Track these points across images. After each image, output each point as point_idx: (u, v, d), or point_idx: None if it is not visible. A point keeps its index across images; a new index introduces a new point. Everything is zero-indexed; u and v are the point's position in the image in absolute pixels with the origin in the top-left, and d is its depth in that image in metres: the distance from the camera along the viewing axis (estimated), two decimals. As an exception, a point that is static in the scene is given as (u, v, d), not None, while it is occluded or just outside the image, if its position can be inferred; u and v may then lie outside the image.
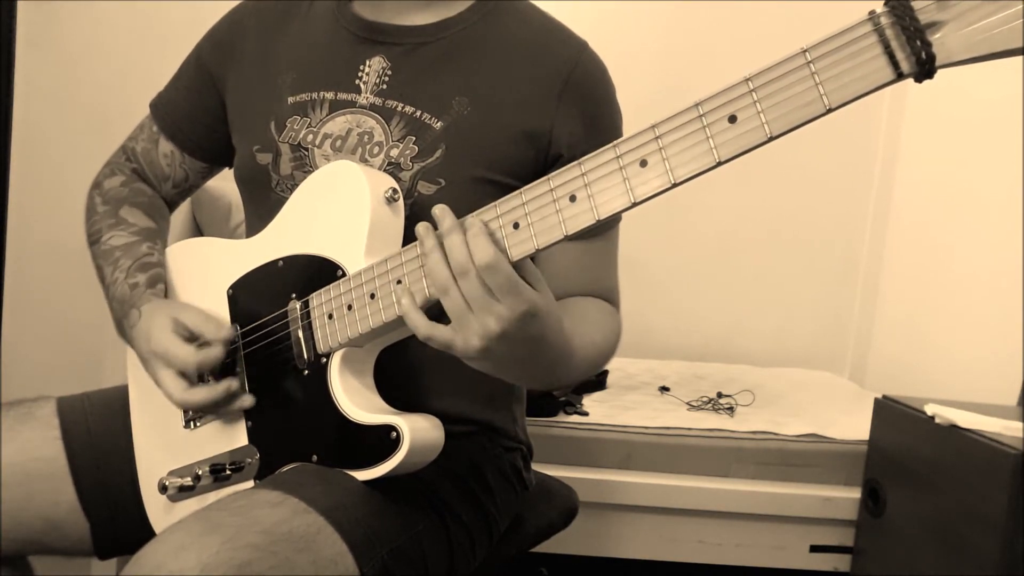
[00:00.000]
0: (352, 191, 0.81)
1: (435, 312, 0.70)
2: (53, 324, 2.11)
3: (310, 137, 0.91)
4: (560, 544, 1.29)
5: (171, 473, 0.90)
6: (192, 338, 0.86)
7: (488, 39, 0.92)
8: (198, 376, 0.86)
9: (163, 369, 0.85)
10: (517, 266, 0.67)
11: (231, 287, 0.90)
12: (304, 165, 0.90)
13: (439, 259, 0.67)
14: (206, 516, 0.69)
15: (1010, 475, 1.37)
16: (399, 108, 0.89)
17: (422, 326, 0.69)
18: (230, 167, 1.04)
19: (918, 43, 0.52)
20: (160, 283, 0.94)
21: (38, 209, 2.06)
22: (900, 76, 0.54)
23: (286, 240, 0.87)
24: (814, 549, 1.85)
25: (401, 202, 0.82)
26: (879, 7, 0.54)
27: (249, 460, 0.85)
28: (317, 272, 0.81)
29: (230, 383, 0.84)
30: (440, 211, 0.68)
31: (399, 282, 0.73)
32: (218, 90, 1.00)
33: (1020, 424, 1.49)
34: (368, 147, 0.88)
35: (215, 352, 0.84)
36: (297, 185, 0.89)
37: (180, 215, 1.89)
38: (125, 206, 1.02)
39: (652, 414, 1.97)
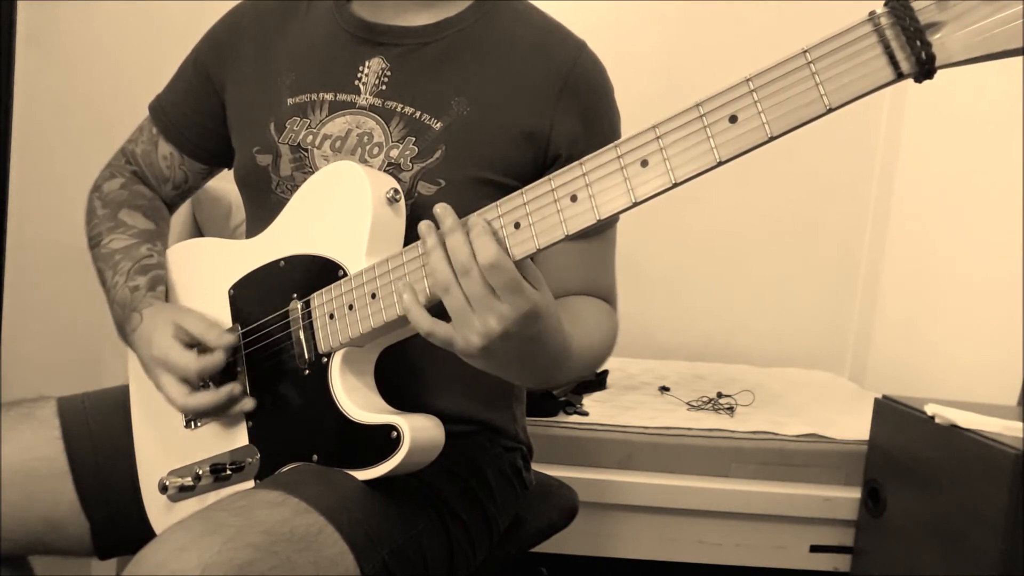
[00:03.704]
0: (354, 192, 0.81)
1: (436, 311, 0.70)
2: (53, 324, 2.11)
3: (310, 138, 0.91)
4: (560, 544, 1.29)
5: (171, 473, 0.90)
6: (193, 344, 0.86)
7: (487, 39, 0.92)
8: (200, 381, 0.86)
9: (164, 375, 0.85)
10: (518, 266, 0.67)
11: (232, 287, 0.90)
12: (304, 166, 0.90)
13: (441, 257, 0.67)
14: (207, 516, 0.69)
15: (1010, 475, 1.37)
16: (398, 109, 0.89)
17: (424, 322, 0.69)
18: (230, 168, 1.04)
19: (918, 43, 0.53)
20: (161, 285, 0.94)
21: (38, 209, 2.06)
22: (900, 76, 0.54)
23: (287, 240, 0.87)
24: (814, 549, 1.85)
25: (403, 203, 0.82)
26: (879, 7, 0.54)
27: (249, 460, 0.85)
28: (318, 272, 0.82)
29: (232, 387, 0.84)
30: (442, 210, 0.68)
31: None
32: (217, 92, 1.00)
33: (1020, 424, 1.49)
34: (368, 148, 0.88)
35: (216, 359, 0.84)
36: (297, 186, 0.89)
37: (180, 215, 1.89)
38: (124, 209, 1.02)
39: (652, 414, 1.97)
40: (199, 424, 0.91)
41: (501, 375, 0.74)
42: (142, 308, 0.90)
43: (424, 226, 0.69)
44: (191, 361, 0.84)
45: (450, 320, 0.68)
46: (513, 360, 0.71)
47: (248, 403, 0.85)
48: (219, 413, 0.86)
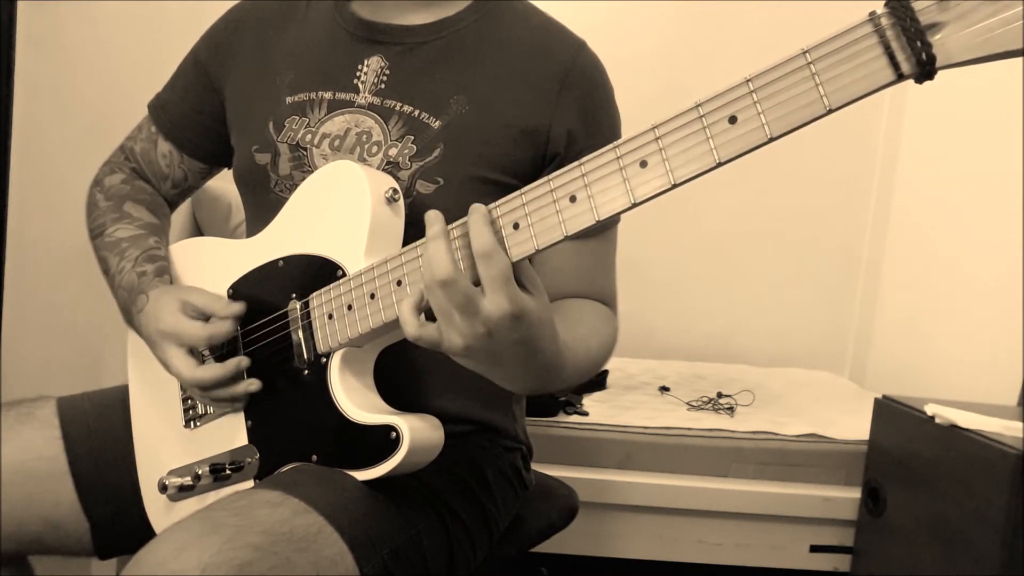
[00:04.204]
0: (353, 191, 0.81)
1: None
2: (53, 324, 2.11)
3: (308, 137, 0.91)
4: (560, 544, 1.29)
5: (171, 473, 0.90)
6: (201, 317, 0.86)
7: (486, 38, 0.92)
8: (209, 348, 0.87)
9: (172, 348, 0.85)
10: (517, 268, 0.66)
11: (231, 287, 0.90)
12: (303, 165, 0.90)
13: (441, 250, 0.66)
14: (207, 516, 0.69)
15: (1010, 475, 1.37)
16: (397, 107, 0.89)
17: (412, 326, 0.69)
18: (229, 168, 1.04)
19: (918, 44, 0.52)
20: (166, 275, 0.94)
21: (38, 209, 2.06)
22: (900, 77, 0.54)
23: (286, 240, 0.87)
24: (814, 549, 1.85)
25: (401, 202, 0.82)
26: (879, 8, 0.54)
27: (249, 460, 0.85)
28: (317, 272, 0.82)
29: (240, 359, 0.84)
30: (433, 216, 0.67)
31: (399, 282, 0.73)
32: (216, 91, 1.00)
33: (1020, 424, 1.49)
34: (366, 147, 0.88)
35: (224, 327, 0.84)
36: (296, 185, 0.89)
37: (180, 215, 1.89)
38: (128, 201, 1.02)
39: (652, 414, 1.97)
40: (199, 424, 0.91)
41: (490, 378, 0.73)
42: (148, 290, 0.90)
43: (432, 215, 0.67)
44: (199, 328, 0.84)
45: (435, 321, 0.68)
46: (500, 363, 0.69)
47: (254, 384, 0.85)
48: (225, 388, 0.85)
